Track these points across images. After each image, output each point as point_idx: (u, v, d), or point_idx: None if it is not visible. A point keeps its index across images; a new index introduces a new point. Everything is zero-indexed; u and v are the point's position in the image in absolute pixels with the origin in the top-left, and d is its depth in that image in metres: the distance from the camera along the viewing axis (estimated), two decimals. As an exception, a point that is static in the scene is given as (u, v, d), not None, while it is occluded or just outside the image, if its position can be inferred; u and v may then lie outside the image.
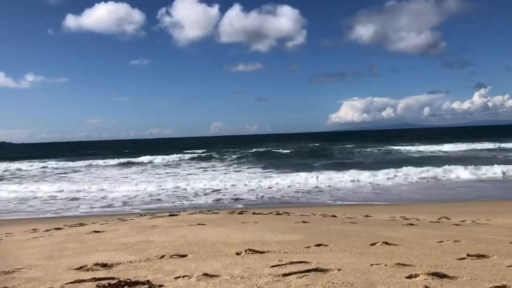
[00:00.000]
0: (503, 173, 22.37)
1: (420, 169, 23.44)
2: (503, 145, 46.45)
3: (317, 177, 21.90)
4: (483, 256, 4.07)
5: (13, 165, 41.77)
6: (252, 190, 19.76)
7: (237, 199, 17.44)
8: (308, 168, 29.46)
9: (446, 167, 23.57)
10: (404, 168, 23.96)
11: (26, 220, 14.13)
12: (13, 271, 3.80)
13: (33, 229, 8.27)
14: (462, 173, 22.53)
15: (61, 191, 21.23)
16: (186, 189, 20.55)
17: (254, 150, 55.20)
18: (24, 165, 41.90)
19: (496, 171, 22.63)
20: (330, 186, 20.36)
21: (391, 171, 23.25)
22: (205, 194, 19.00)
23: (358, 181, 21.46)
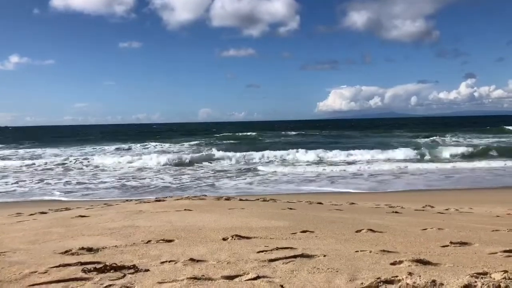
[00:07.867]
0: None
1: None
2: None
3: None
4: (465, 243, 4.15)
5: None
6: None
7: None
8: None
9: None
10: None
11: (10, 203, 13.96)
12: (-3, 255, 3.75)
13: (17, 213, 8.18)
14: None
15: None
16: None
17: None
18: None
19: None
20: None
21: None
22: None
23: None
